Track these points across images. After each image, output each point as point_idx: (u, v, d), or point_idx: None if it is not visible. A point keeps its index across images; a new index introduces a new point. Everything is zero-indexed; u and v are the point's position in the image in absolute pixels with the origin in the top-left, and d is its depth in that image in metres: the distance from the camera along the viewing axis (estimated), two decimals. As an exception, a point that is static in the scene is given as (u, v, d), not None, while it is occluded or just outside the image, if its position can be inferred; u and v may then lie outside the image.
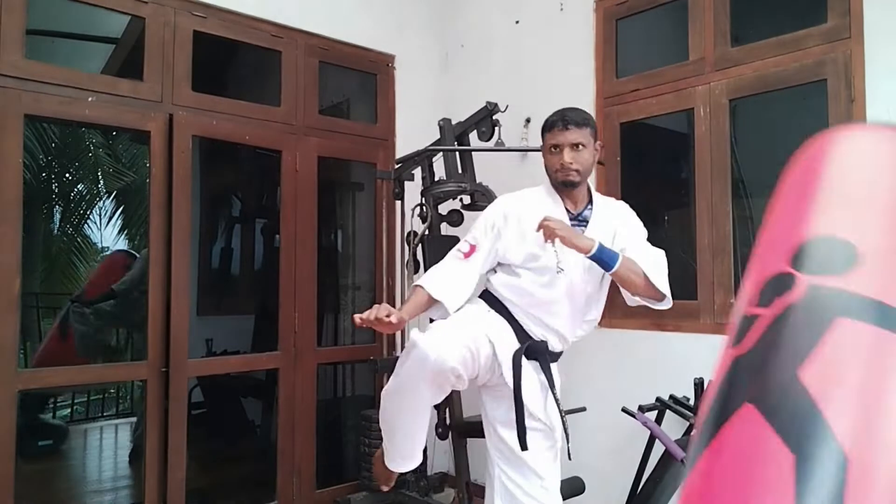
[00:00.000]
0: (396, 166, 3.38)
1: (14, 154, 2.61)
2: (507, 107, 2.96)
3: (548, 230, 1.86)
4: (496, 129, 2.95)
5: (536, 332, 2.07)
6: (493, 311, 2.11)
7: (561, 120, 2.01)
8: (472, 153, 3.08)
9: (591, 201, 2.13)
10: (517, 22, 3.68)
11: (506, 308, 2.10)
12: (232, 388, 5.08)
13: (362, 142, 3.77)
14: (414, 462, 2.17)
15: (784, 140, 3.34)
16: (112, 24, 4.17)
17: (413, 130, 3.73)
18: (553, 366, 2.11)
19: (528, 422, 2.01)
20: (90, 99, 2.80)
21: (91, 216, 7.95)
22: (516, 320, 2.09)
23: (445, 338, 1.89)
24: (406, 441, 2.13)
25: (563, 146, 1.99)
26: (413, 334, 1.90)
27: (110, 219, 8.10)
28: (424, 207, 3.05)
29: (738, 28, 2.81)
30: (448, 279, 2.09)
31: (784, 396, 1.06)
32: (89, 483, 4.47)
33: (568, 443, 2.07)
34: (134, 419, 5.84)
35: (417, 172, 3.25)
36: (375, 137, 3.82)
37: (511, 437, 2.05)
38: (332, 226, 4.69)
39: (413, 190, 3.28)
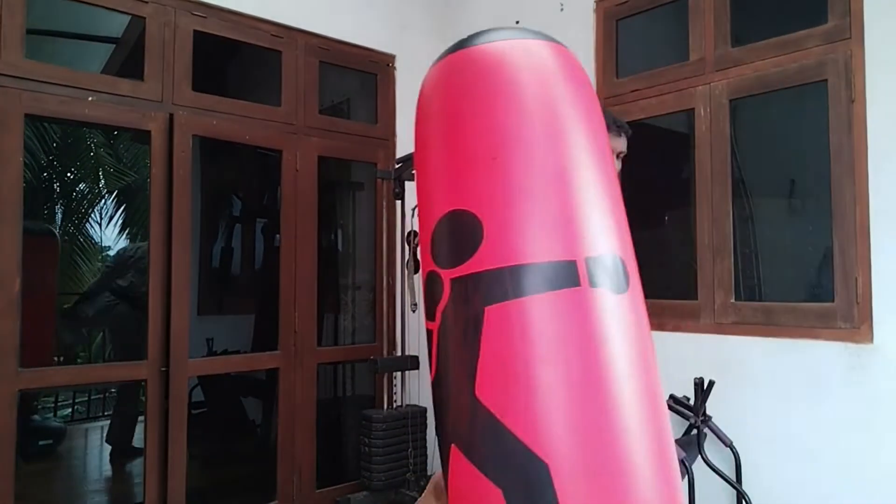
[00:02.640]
0: (397, 166, 3.38)
1: (15, 153, 2.61)
2: (507, 107, 2.95)
3: None
4: (496, 129, 2.94)
5: None
6: None
7: (614, 123, 1.80)
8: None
9: None
10: (517, 22, 3.68)
11: None
12: (232, 387, 5.09)
13: (363, 141, 3.77)
14: None
15: (784, 140, 3.35)
16: (112, 23, 4.17)
17: (413, 130, 3.72)
18: None
19: None
20: (90, 98, 2.80)
21: (92, 215, 7.97)
22: None
23: None
24: None
25: (614, 153, 1.78)
26: None
27: (111, 218, 8.11)
28: (424, 207, 3.05)
29: (738, 28, 2.81)
30: None
31: (472, 425, 0.93)
32: (90, 483, 4.47)
33: None
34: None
35: (417, 172, 3.24)
36: (376, 137, 3.82)
37: None
38: (332, 225, 4.69)
39: (413, 190, 3.27)
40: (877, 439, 2.25)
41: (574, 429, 0.87)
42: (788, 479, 2.46)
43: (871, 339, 2.32)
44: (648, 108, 3.06)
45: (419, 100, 1.19)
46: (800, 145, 3.13)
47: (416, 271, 3.12)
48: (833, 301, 2.43)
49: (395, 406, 3.41)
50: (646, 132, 3.28)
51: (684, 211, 3.29)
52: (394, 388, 3.46)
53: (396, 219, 3.51)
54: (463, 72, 1.13)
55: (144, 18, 2.98)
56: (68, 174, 7.57)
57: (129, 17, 3.24)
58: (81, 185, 7.74)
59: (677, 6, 2.98)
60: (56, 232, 5.51)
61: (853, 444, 2.29)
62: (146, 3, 2.96)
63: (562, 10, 3.43)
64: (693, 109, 2.88)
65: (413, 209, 3.16)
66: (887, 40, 2.33)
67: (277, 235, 3.88)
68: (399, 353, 3.57)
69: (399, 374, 3.51)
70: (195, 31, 3.10)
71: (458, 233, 0.99)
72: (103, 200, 8.01)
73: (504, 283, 0.93)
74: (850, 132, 2.40)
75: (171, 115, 2.99)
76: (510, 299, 0.92)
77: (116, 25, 4.18)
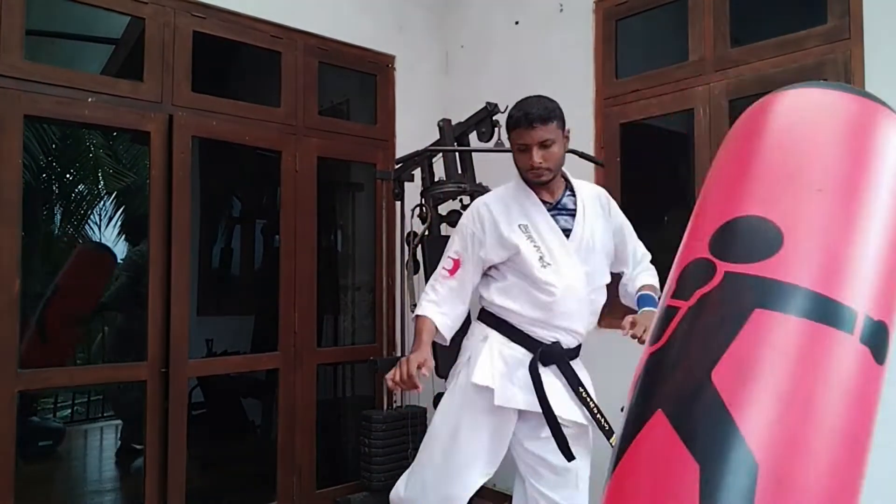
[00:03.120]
0: (396, 167, 3.38)
1: (14, 154, 2.61)
2: (506, 107, 2.93)
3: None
4: (496, 129, 2.95)
5: (545, 336, 1.99)
6: (492, 333, 2.04)
7: (525, 118, 1.88)
8: (472, 154, 3.08)
9: (568, 187, 2.06)
10: (517, 22, 3.68)
11: (505, 321, 2.03)
12: (232, 388, 5.08)
13: (362, 142, 3.77)
14: None
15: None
16: (112, 24, 4.18)
17: (413, 131, 3.73)
18: (574, 363, 2.03)
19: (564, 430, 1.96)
20: (90, 99, 2.80)
21: (92, 217, 7.96)
22: (520, 330, 2.01)
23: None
24: None
25: (530, 146, 1.90)
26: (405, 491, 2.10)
27: (111, 219, 8.10)
28: (424, 208, 3.05)
29: (737, 29, 2.81)
30: (442, 305, 2.03)
31: (693, 401, 0.96)
32: (90, 483, 4.47)
33: (610, 440, 1.95)
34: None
35: (417, 173, 3.25)
36: (375, 138, 3.82)
37: (542, 448, 2.01)
38: (331, 226, 4.69)
39: (413, 190, 3.28)
40: (876, 440, 2.25)
41: (793, 449, 0.92)
42: (788, 478, 2.46)
43: (870, 339, 2.31)
44: (648, 108, 3.07)
45: (743, 118, 1.37)
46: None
47: (416, 272, 3.12)
48: (833, 301, 2.43)
49: (395, 406, 3.41)
50: (645, 132, 3.30)
51: (684, 211, 3.30)
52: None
53: (396, 220, 3.51)
54: (791, 110, 1.24)
55: (144, 19, 2.98)
56: (67, 175, 7.56)
57: (129, 17, 3.24)
58: (80, 187, 7.73)
59: (677, 6, 2.99)
60: (113, 250, 5.67)
61: (853, 443, 2.29)
62: (145, 3, 2.96)
63: (561, 10, 3.43)
64: (692, 110, 2.88)
65: (413, 210, 3.16)
66: (886, 40, 2.33)
67: (277, 236, 3.89)
68: (399, 354, 3.57)
69: (399, 374, 3.50)
70: (194, 32, 3.10)
71: (756, 236, 1.05)
72: (103, 201, 8.00)
73: (784, 297, 0.99)
74: (849, 132, 2.40)
75: (171, 116, 2.99)
76: (784, 313, 0.98)
77: (116, 26, 4.18)
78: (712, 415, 0.93)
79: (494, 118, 2.96)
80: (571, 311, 1.97)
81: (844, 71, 2.42)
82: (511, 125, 1.94)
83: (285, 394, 3.36)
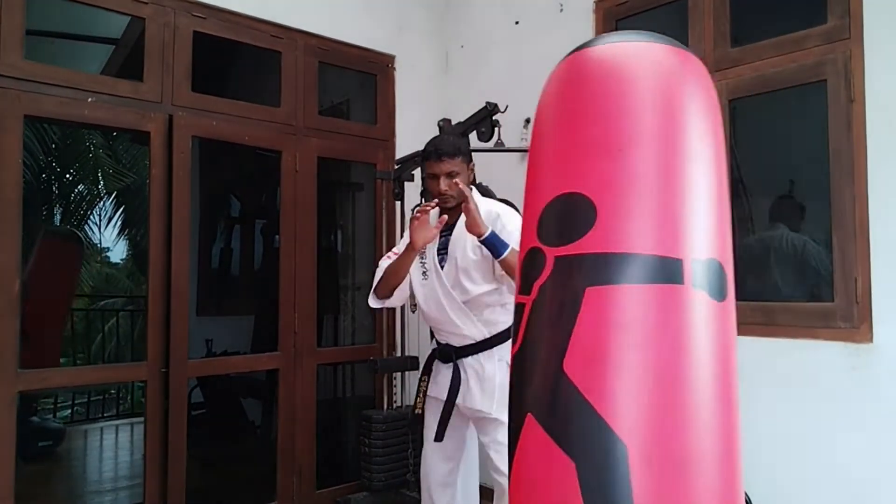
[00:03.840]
0: (396, 167, 3.38)
1: (14, 154, 2.61)
2: (506, 107, 2.96)
3: (462, 195, 2.08)
4: (496, 129, 2.95)
5: (440, 340, 2.37)
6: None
7: (435, 152, 2.20)
8: (472, 153, 3.07)
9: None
10: (517, 22, 3.68)
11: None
12: (232, 388, 5.08)
13: (362, 142, 3.77)
14: None
15: (784, 140, 3.34)
16: (112, 24, 4.18)
17: (413, 131, 3.73)
18: (473, 358, 2.26)
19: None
20: (90, 100, 2.80)
21: (91, 217, 7.97)
22: (433, 335, 2.44)
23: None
24: None
25: (439, 176, 2.20)
26: None
27: (110, 219, 8.12)
28: (424, 208, 3.05)
29: (737, 29, 2.81)
30: None
31: (554, 397, 0.95)
32: (90, 483, 4.47)
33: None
34: (133, 419, 5.88)
35: (417, 173, 3.24)
36: (375, 138, 3.82)
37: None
38: (331, 226, 4.69)
39: (413, 190, 3.28)
40: (876, 439, 2.25)
41: (656, 418, 0.90)
42: (788, 478, 2.46)
43: (870, 339, 2.32)
44: (648, 108, 3.06)
45: (543, 93, 1.21)
46: (799, 145, 3.13)
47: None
48: (833, 301, 2.43)
49: (394, 406, 3.41)
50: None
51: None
52: (394, 389, 3.46)
53: (396, 219, 3.51)
54: (587, 69, 1.14)
55: (144, 19, 2.98)
56: (67, 175, 7.57)
57: (129, 17, 3.24)
58: (80, 187, 7.75)
59: (677, 6, 2.98)
60: (80, 237, 5.55)
61: (853, 443, 2.29)
62: (145, 3, 2.96)
63: (561, 10, 3.43)
64: (692, 109, 2.87)
65: (412, 209, 3.15)
66: (886, 40, 2.33)
67: (277, 236, 3.88)
68: (399, 354, 3.57)
69: (399, 374, 3.50)
70: (195, 32, 3.10)
71: (571, 214, 1.02)
72: (102, 201, 8.01)
73: (609, 268, 0.96)
74: (849, 132, 2.40)
75: (171, 116, 2.99)
76: (613, 284, 0.95)
77: (116, 26, 4.18)
78: (573, 407, 0.92)
79: (494, 118, 2.96)
80: (444, 319, 2.26)
81: (844, 71, 2.42)
82: (424, 158, 2.27)
83: (285, 394, 3.36)
